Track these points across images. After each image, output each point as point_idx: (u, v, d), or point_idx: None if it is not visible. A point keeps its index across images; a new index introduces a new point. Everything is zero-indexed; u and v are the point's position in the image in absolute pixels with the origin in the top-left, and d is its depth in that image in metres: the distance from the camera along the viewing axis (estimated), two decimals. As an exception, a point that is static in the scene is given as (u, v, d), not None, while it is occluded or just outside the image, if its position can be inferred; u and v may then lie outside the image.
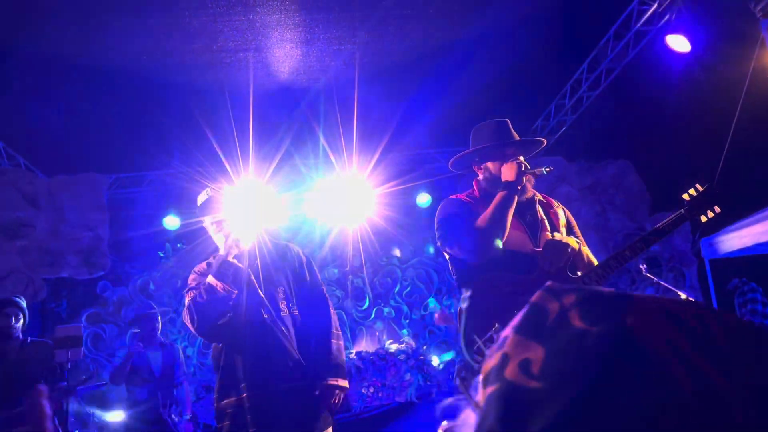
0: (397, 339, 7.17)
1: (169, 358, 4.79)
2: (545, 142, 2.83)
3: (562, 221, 2.73)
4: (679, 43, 5.01)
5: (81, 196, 6.50)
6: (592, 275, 2.46)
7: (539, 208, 2.69)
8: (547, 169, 2.56)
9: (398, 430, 5.39)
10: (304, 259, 2.99)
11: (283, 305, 2.71)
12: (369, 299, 8.23)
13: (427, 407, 5.50)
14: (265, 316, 2.66)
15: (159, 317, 4.84)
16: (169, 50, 5.46)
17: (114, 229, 7.25)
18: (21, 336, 3.82)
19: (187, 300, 2.66)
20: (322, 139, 7.48)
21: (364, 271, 8.37)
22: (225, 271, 2.62)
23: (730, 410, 0.51)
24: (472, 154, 2.74)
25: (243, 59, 5.87)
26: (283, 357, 2.62)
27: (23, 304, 3.93)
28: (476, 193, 2.73)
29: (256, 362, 2.60)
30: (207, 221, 2.90)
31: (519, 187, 2.53)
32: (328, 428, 2.69)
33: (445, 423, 0.82)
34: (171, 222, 7.73)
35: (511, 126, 2.76)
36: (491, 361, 0.64)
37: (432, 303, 8.27)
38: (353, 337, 7.93)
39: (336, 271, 8.35)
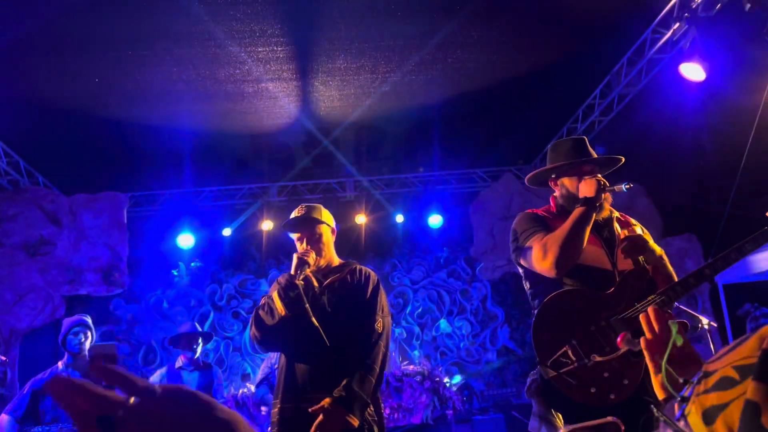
0: (409, 360, 7.20)
1: (205, 380, 4.74)
2: (623, 160, 2.78)
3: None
4: (692, 71, 5.10)
5: (102, 214, 6.58)
6: (670, 293, 2.35)
7: (617, 226, 2.68)
8: (628, 186, 2.52)
9: (414, 452, 5.39)
10: (370, 288, 2.87)
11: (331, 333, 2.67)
12: (380, 320, 8.25)
13: (443, 429, 5.51)
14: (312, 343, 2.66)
15: (201, 338, 4.84)
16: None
17: (129, 247, 7.31)
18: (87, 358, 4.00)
19: (255, 312, 2.79)
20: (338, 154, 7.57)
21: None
22: (289, 291, 2.66)
23: None
24: (549, 171, 2.75)
25: (263, 89, 5.97)
26: (320, 386, 2.61)
27: (89, 322, 4.09)
28: (553, 208, 2.75)
29: (296, 380, 2.66)
30: (294, 236, 2.96)
31: (597, 204, 2.52)
32: None
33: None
34: (185, 240, 7.80)
35: (588, 143, 2.78)
36: (711, 398, 0.64)
37: (443, 324, 8.30)
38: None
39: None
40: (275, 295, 2.71)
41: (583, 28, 5.48)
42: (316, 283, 2.83)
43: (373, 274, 2.96)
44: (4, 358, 3.94)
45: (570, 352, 2.29)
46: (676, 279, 2.54)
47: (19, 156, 6.65)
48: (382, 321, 2.78)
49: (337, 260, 3.03)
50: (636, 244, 2.50)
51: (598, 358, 2.26)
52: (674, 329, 1.14)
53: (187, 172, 7.44)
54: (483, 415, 6.14)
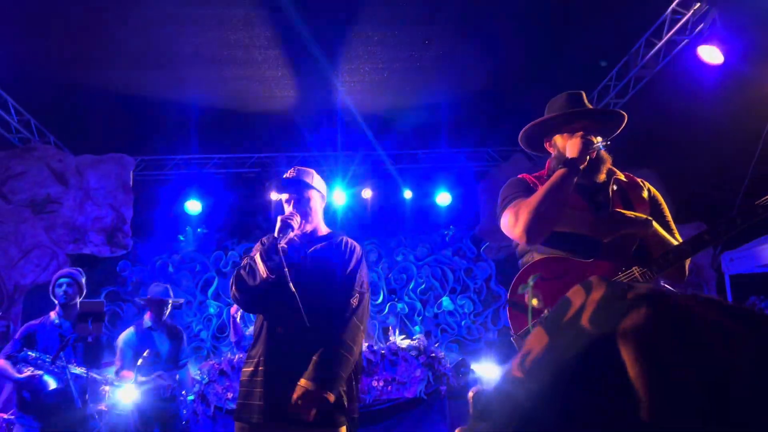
0: (409, 335, 7.21)
1: (175, 341, 4.86)
2: (625, 116, 2.45)
3: (645, 205, 2.38)
4: (711, 54, 4.95)
5: (108, 175, 6.62)
6: (660, 261, 2.14)
7: (614, 188, 2.37)
8: (605, 143, 2.28)
9: (405, 425, 5.42)
10: (353, 261, 2.76)
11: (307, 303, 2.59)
12: (383, 294, 8.27)
13: (436, 404, 5.53)
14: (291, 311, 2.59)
15: (170, 303, 4.90)
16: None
17: (136, 210, 7.37)
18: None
19: (236, 271, 2.74)
20: (339, 135, 7.53)
21: (380, 266, 8.41)
22: (271, 254, 2.60)
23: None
24: (541, 129, 2.47)
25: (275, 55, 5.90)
26: (302, 352, 2.56)
27: (79, 277, 4.20)
28: (545, 172, 2.46)
29: (278, 346, 2.61)
30: (282, 197, 2.87)
31: (580, 166, 2.24)
32: (339, 428, 2.56)
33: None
34: (192, 206, 7.84)
35: (585, 98, 2.48)
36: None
37: (446, 302, 8.29)
38: (366, 331, 7.97)
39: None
40: (257, 257, 2.64)
41: (602, 7, 5.35)
42: (299, 250, 2.75)
43: (358, 248, 2.85)
44: (-1, 312, 4.02)
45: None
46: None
47: (30, 114, 6.69)
48: (359, 296, 2.68)
49: (324, 229, 2.92)
50: (616, 221, 2.23)
51: None
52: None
53: (194, 138, 7.44)
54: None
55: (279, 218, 2.71)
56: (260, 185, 7.92)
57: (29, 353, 3.93)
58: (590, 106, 2.45)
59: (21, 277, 6.01)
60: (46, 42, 5.46)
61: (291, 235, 2.70)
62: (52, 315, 4.24)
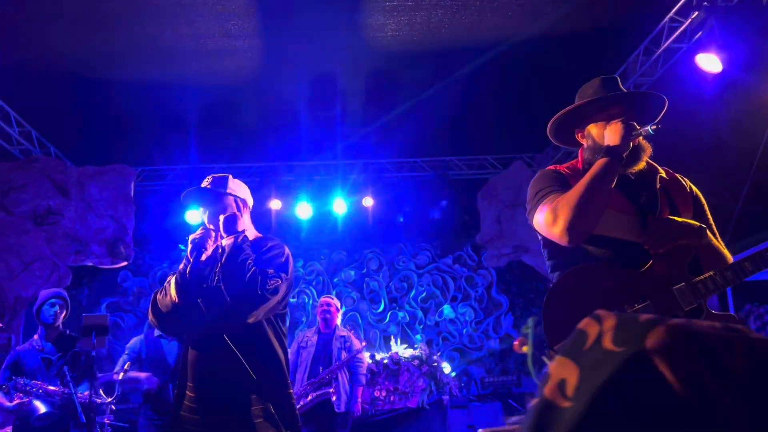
0: (410, 344, 7.20)
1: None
2: (665, 99, 2.22)
3: (689, 206, 2.16)
4: (709, 62, 4.97)
5: (109, 186, 6.62)
6: (711, 280, 1.90)
7: (659, 186, 2.14)
8: (654, 127, 2.00)
9: (409, 435, 5.42)
10: (249, 273, 2.45)
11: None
12: (384, 303, 8.27)
13: (438, 414, 5.52)
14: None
15: None
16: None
17: (137, 221, 7.37)
18: (62, 327, 4.12)
19: (153, 294, 2.65)
20: (339, 143, 7.54)
21: (381, 275, 8.41)
22: (182, 277, 2.48)
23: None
24: (572, 118, 2.26)
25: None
26: (211, 374, 2.51)
27: (67, 297, 4.18)
28: (579, 164, 2.24)
29: (200, 372, 2.53)
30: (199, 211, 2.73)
31: (624, 155, 2.02)
32: None
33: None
34: (193, 217, 7.84)
35: (620, 83, 2.26)
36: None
37: (447, 310, 8.29)
38: (366, 340, 7.97)
39: (353, 273, 8.40)
40: (172, 280, 2.52)
41: (600, 15, 5.38)
42: (214, 266, 2.52)
43: (275, 243, 2.66)
44: (1, 325, 4.01)
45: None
46: (728, 260, 2.04)
47: (31, 126, 6.70)
48: (258, 314, 2.45)
49: (252, 236, 2.68)
50: (665, 230, 1.95)
51: None
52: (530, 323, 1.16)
53: (194, 148, 7.46)
54: (480, 402, 6.14)
55: (189, 238, 2.56)
56: (260, 194, 7.92)
57: (18, 380, 3.92)
58: (625, 91, 2.25)
59: (22, 289, 6.01)
60: (44, 51, 5.47)
61: (208, 252, 2.53)
62: (35, 338, 4.22)
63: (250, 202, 2.81)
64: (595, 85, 2.24)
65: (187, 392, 2.49)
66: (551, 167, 2.30)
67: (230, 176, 2.72)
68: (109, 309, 7.77)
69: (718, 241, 2.10)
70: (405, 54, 5.77)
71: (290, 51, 5.73)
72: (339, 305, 5.64)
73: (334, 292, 8.17)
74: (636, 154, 2.09)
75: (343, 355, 4.95)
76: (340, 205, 7.75)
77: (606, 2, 5.17)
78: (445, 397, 5.49)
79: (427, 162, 8.17)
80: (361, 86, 6.39)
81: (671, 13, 5.32)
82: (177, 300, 2.46)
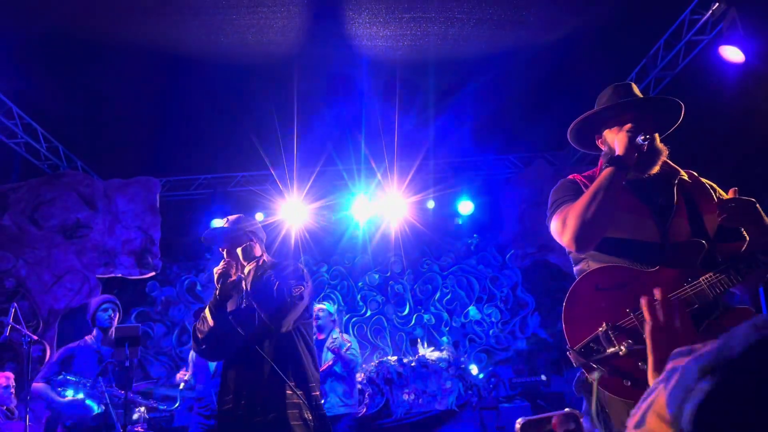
0: (437, 346, 7.19)
1: None
2: (681, 104, 2.25)
3: (714, 209, 2.12)
4: (732, 53, 4.91)
5: (135, 198, 6.74)
6: (725, 274, 1.93)
7: (677, 188, 2.17)
8: (643, 138, 2.06)
9: (438, 437, 5.41)
10: (276, 286, 2.91)
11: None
12: (409, 305, 8.28)
13: (467, 415, 5.50)
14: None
15: None
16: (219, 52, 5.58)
17: (163, 231, 7.48)
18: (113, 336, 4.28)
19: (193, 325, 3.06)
20: (363, 147, 7.57)
21: (405, 277, 8.42)
22: (215, 305, 2.89)
23: None
24: (591, 125, 2.31)
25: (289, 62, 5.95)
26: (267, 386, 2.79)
27: (117, 301, 4.38)
28: (598, 170, 2.26)
29: (228, 385, 2.86)
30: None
31: (627, 164, 2.07)
32: None
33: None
34: (218, 224, 7.93)
35: (635, 88, 2.29)
36: (643, 405, 0.70)
37: (473, 311, 8.26)
38: (392, 343, 7.98)
39: (377, 276, 8.42)
40: (207, 310, 2.91)
41: (619, 9, 5.34)
42: (240, 292, 2.97)
43: (295, 268, 3.05)
44: (35, 337, 4.10)
45: (601, 338, 1.95)
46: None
47: (58, 141, 6.85)
48: (289, 321, 2.82)
49: (268, 262, 3.11)
50: (746, 211, 1.98)
51: (634, 346, 1.88)
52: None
53: (219, 157, 7.55)
54: (509, 403, 6.11)
55: (214, 271, 3.00)
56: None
57: (68, 377, 4.00)
58: (641, 96, 2.27)
59: (54, 301, 6.14)
60: (70, 70, 5.59)
61: (233, 278, 2.94)
62: (89, 339, 4.34)
63: (262, 234, 3.26)
64: (608, 92, 2.30)
65: (226, 404, 2.81)
66: (571, 176, 2.36)
67: (242, 215, 3.19)
68: (139, 319, 7.90)
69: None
70: (427, 62, 5.81)
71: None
72: (333, 311, 5.59)
73: (359, 296, 8.20)
74: (650, 157, 2.14)
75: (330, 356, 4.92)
76: (360, 211, 7.77)
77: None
78: (474, 399, 5.48)
79: (447, 163, 8.16)
80: (380, 88, 6.41)
81: (692, 5, 5.26)
82: (213, 324, 2.82)
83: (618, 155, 2.09)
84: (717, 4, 5.04)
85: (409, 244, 8.51)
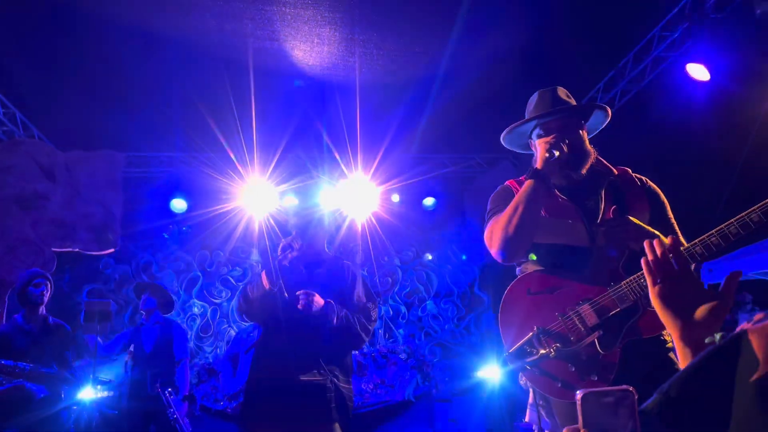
0: (393, 338, 7.27)
1: (165, 335, 4.77)
2: (608, 110, 2.26)
3: (644, 204, 2.16)
4: (698, 71, 5.12)
5: (97, 172, 6.54)
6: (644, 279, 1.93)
7: (606, 191, 2.17)
8: (557, 153, 2.05)
9: (395, 427, 5.48)
10: (349, 274, 3.17)
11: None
12: (368, 297, 8.32)
13: (424, 406, 5.60)
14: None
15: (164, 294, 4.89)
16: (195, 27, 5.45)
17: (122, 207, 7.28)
18: (45, 312, 4.03)
19: (243, 286, 3.20)
20: (325, 137, 7.55)
21: (365, 269, 8.45)
22: (273, 271, 2.94)
23: None
24: (520, 131, 2.30)
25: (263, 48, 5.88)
26: (302, 353, 2.85)
27: (49, 275, 4.10)
28: (524, 179, 2.26)
29: (271, 353, 2.92)
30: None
31: (543, 175, 2.09)
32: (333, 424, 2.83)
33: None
34: (178, 205, 7.77)
35: (563, 94, 2.27)
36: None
37: (430, 305, 8.38)
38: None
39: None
40: (263, 273, 2.96)
41: (590, 22, 5.48)
42: (298, 269, 3.09)
43: (358, 271, 3.26)
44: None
45: (534, 341, 2.02)
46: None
47: (16, 107, 6.57)
48: (364, 310, 3.09)
49: (326, 252, 3.27)
50: (621, 231, 2.00)
51: (562, 349, 1.96)
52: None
53: (182, 136, 7.38)
54: (463, 396, 6.25)
55: (282, 241, 3.14)
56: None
57: (3, 363, 3.77)
58: (571, 101, 2.27)
59: (6, 273, 5.91)
60: (36, 38, 5.38)
61: (292, 255, 3.05)
62: (18, 318, 4.14)
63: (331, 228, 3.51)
64: (535, 99, 2.31)
65: (262, 372, 2.90)
66: (507, 182, 2.38)
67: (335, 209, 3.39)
68: (91, 295, 7.67)
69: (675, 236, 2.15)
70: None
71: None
72: None
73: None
74: (576, 160, 2.15)
75: None
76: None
77: (596, 11, 5.27)
78: (432, 390, 5.58)
79: (413, 159, 8.22)
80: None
81: (662, 23, 5.46)
82: (268, 287, 2.88)
83: (536, 168, 2.12)
84: (687, 23, 5.24)
85: (373, 236, 8.55)
